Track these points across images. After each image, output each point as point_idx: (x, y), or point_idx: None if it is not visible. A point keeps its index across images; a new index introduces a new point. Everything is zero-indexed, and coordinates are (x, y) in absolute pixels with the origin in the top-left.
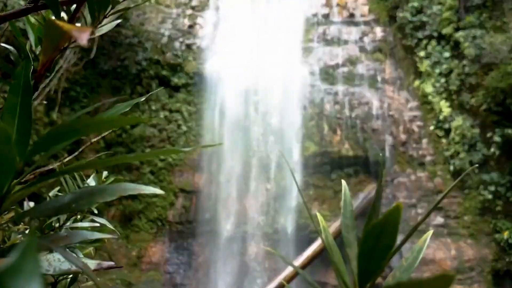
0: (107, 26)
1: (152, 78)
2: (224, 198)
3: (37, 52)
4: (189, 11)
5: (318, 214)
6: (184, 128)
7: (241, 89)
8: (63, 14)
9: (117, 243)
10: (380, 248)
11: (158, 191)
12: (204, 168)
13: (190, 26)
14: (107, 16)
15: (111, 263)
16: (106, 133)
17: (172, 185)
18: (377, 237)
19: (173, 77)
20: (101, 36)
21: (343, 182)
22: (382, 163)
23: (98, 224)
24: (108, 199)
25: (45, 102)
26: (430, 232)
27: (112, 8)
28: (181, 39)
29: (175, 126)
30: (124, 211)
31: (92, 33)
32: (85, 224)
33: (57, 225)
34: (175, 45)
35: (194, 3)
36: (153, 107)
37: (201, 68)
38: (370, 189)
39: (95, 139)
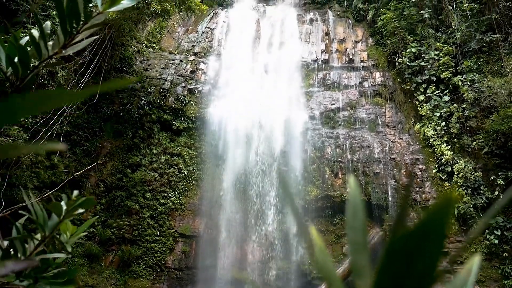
0: (82, 42)
1: (154, 122)
2: (224, 243)
3: (8, 73)
4: (191, 57)
5: (312, 228)
6: (185, 172)
7: (242, 133)
8: (34, 32)
9: None
10: (414, 275)
11: (60, 146)
12: (204, 213)
13: (193, 72)
14: (80, 31)
15: (23, 264)
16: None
17: (171, 230)
18: (410, 255)
19: (175, 121)
20: (105, 81)
21: (351, 178)
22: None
23: (70, 256)
24: None
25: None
26: (477, 257)
27: (85, 23)
28: (183, 84)
29: (176, 170)
30: (122, 257)
31: (64, 49)
32: (57, 254)
33: (22, 257)
34: (177, 90)
35: (196, 49)
36: (155, 151)
37: (202, 112)
38: (373, 234)
39: (77, 173)
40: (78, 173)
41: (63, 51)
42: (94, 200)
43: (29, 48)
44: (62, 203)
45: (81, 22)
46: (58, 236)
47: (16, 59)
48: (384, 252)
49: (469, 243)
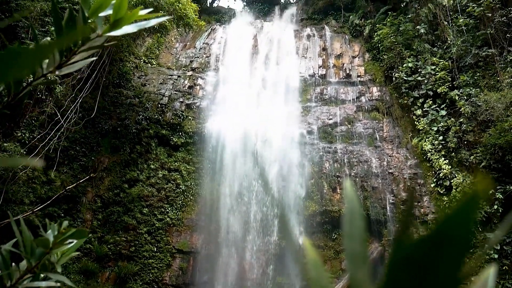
0: (79, 63)
1: (152, 137)
2: (222, 259)
3: (0, 89)
4: (189, 73)
5: (305, 241)
6: (182, 187)
7: (240, 148)
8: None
9: None
10: None
11: (36, 162)
12: (202, 228)
13: (190, 87)
14: (77, 53)
15: None
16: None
17: (169, 245)
18: (423, 267)
19: (173, 136)
20: (103, 96)
21: (347, 182)
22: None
23: (58, 285)
24: None
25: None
26: (492, 268)
27: (83, 44)
28: (181, 99)
29: (173, 185)
30: (119, 273)
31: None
32: (43, 283)
33: (8, 283)
34: (175, 105)
35: (194, 65)
36: (152, 166)
37: (200, 127)
38: (372, 249)
39: (69, 187)
40: (70, 187)
41: (57, 72)
42: (86, 231)
43: None
44: (50, 234)
45: (79, 43)
46: (48, 256)
47: None
48: (388, 264)
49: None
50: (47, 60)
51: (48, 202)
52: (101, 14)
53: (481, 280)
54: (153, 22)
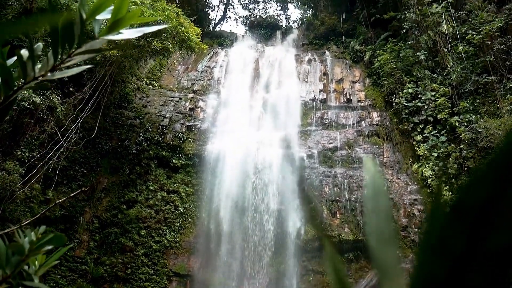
0: (73, 69)
1: (152, 159)
2: (220, 283)
3: None
4: (191, 95)
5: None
6: (181, 209)
7: (240, 171)
8: (24, 52)
9: None
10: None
11: None
12: (200, 251)
13: (191, 109)
14: (72, 55)
15: None
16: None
17: (166, 268)
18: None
19: (173, 157)
20: (103, 116)
21: (367, 158)
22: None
23: None
24: None
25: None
26: None
27: (79, 47)
28: (182, 121)
29: (172, 207)
30: None
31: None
32: None
33: None
34: (175, 127)
35: (196, 87)
36: (151, 188)
37: (200, 149)
38: (371, 276)
39: (60, 200)
40: (60, 201)
41: (49, 74)
42: (64, 237)
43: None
44: (26, 240)
45: (75, 47)
46: (26, 267)
47: None
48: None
49: None
50: (39, 64)
51: (34, 218)
52: (99, 17)
53: None
54: (154, 28)
